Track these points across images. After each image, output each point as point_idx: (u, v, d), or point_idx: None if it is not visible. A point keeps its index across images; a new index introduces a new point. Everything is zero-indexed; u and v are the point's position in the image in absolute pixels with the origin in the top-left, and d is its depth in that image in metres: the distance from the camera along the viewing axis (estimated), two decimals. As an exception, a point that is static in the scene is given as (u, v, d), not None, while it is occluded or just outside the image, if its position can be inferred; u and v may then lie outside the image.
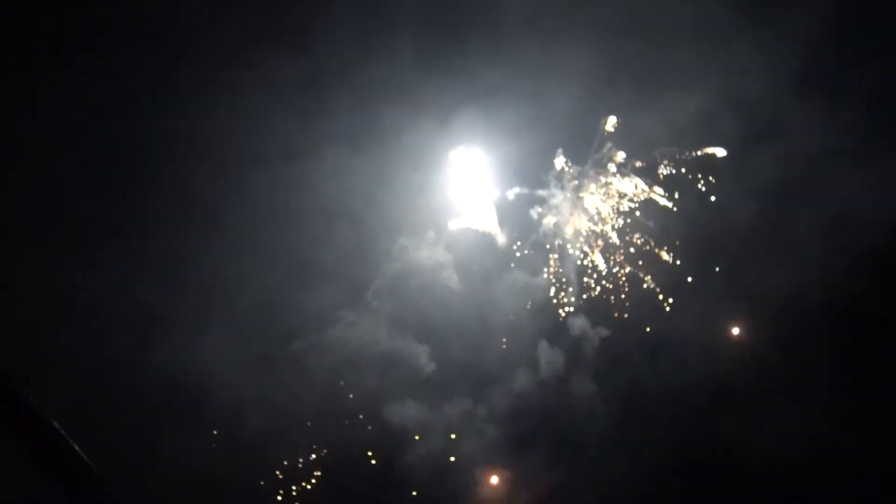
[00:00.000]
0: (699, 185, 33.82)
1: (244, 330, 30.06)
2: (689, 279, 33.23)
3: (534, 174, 34.88)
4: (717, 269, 33.13)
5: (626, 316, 33.66)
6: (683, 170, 34.14)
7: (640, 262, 33.80)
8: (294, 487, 29.84)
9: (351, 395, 32.25)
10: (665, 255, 33.73)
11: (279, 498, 29.14)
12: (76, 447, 4.38)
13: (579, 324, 33.07)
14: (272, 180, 32.62)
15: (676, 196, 33.96)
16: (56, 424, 4.31)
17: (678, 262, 33.47)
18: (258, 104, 32.55)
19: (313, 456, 30.34)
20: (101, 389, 25.23)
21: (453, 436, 32.22)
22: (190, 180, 31.31)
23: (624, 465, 29.56)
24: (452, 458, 31.73)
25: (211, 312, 29.39)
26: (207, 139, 31.60)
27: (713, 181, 33.62)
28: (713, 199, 33.28)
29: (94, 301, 26.62)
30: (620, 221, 34.24)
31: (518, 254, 34.86)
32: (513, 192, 34.50)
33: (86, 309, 26.50)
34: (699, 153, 33.73)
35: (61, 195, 28.55)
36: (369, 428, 31.41)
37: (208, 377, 26.89)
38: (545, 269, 34.56)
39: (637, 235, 34.00)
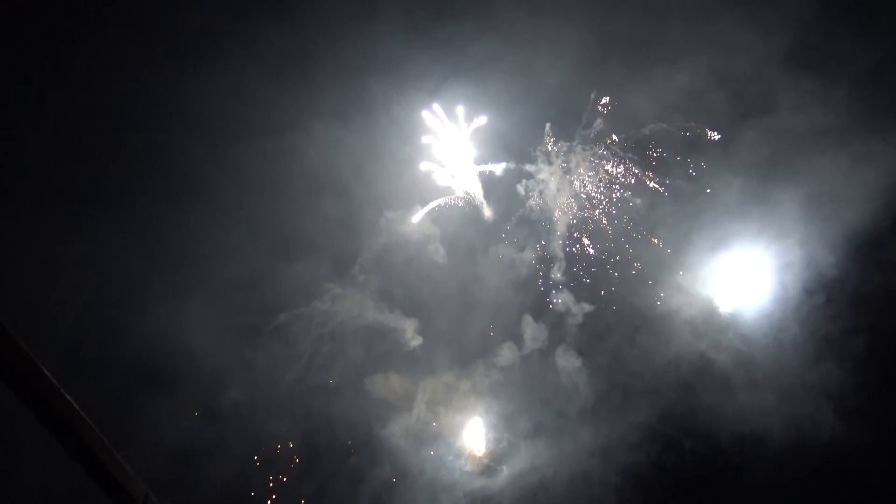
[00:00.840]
0: (688, 164, 33.80)
1: (228, 300, 30.21)
2: (675, 257, 33.23)
3: (522, 149, 34.87)
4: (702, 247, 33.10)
5: (613, 290, 33.79)
6: (672, 149, 34.10)
7: (626, 239, 33.85)
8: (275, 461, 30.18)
9: (334, 368, 32.38)
10: (651, 234, 33.79)
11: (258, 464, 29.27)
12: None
13: (563, 299, 33.22)
14: (258, 151, 32.65)
15: (665, 176, 33.96)
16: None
17: (663, 243, 33.51)
18: (245, 75, 32.53)
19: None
20: (81, 357, 25.44)
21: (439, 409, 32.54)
22: (175, 150, 31.36)
23: (605, 436, 29.87)
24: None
25: (194, 282, 29.57)
26: (194, 110, 31.57)
27: (701, 162, 33.58)
28: (699, 176, 33.20)
29: (77, 269, 26.75)
30: (607, 199, 34.26)
31: (507, 229, 34.99)
32: (500, 167, 34.49)
33: (68, 276, 26.64)
34: (688, 133, 33.64)
35: (46, 164, 28.57)
36: (351, 401, 31.57)
37: (190, 346, 27.11)
38: (533, 245, 34.67)
39: (625, 216, 34.02)
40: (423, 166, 34.09)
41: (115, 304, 27.89)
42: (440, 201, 34.53)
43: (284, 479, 30.08)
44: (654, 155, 34.52)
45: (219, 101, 31.73)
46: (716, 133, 33.06)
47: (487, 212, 34.74)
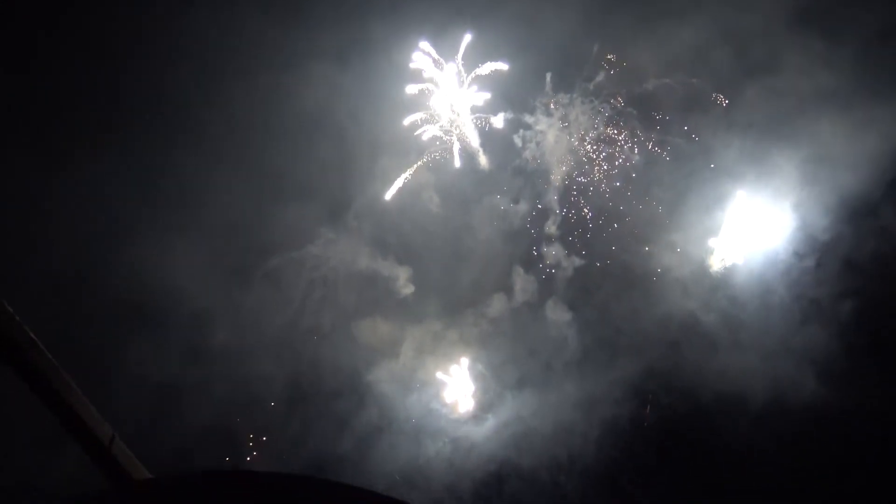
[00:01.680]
0: (688, 122, 33.36)
1: (219, 241, 30.00)
2: (669, 216, 33.10)
3: (521, 98, 34.28)
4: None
5: (605, 246, 33.76)
6: (672, 106, 33.59)
7: (621, 196, 33.65)
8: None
9: (324, 313, 32.46)
10: (647, 191, 33.57)
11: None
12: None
13: (555, 252, 33.19)
14: (252, 90, 32.02)
15: (663, 133, 33.55)
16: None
17: (658, 201, 33.34)
18: (239, 10, 31.60)
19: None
20: (66, 291, 25.32)
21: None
22: (167, 87, 30.71)
23: (589, 389, 30.21)
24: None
25: (184, 221, 29.27)
26: (187, 45, 30.80)
27: (701, 121, 33.11)
28: (698, 135, 32.80)
29: (63, 202, 26.44)
30: (604, 154, 33.92)
31: (502, 179, 34.68)
32: (498, 117, 33.96)
33: (55, 210, 26.33)
34: (689, 91, 33.09)
35: (35, 98, 27.96)
36: (339, 346, 31.73)
37: (177, 285, 27.02)
38: (527, 197, 34.41)
39: (621, 172, 33.72)
40: (413, 115, 33.57)
41: (102, 239, 27.64)
42: (437, 148, 34.15)
43: (268, 420, 30.37)
44: (654, 112, 34.06)
45: (213, 36, 30.96)
46: (721, 96, 32.57)
47: (483, 161, 34.38)
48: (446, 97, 33.68)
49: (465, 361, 32.46)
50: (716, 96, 32.72)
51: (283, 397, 30.78)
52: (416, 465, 31.37)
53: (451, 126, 34.03)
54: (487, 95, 33.74)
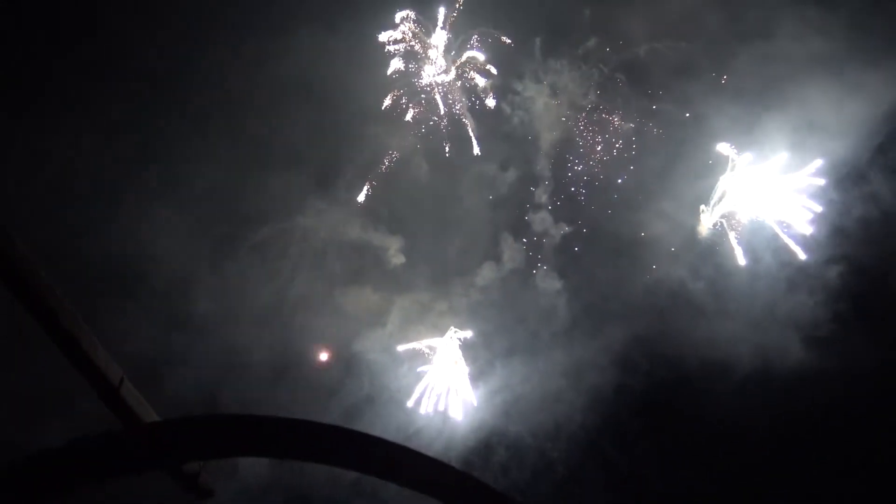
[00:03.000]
0: (679, 88, 33.12)
1: (204, 209, 29.53)
2: (659, 183, 32.98)
3: (510, 63, 33.86)
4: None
5: (594, 212, 33.66)
6: (663, 72, 33.29)
7: (610, 163, 33.48)
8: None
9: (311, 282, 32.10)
10: (637, 158, 33.42)
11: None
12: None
13: (544, 219, 33.05)
14: (239, 54, 31.43)
15: (654, 99, 33.33)
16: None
17: (648, 168, 33.20)
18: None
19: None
20: (45, 257, 24.77)
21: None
22: (152, 49, 30.03)
23: (576, 357, 30.34)
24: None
25: (170, 189, 28.79)
26: (172, 5, 30.14)
27: (692, 87, 32.85)
28: (688, 101, 32.55)
29: (44, 165, 25.86)
30: (593, 121, 33.69)
31: (490, 146, 34.39)
32: (487, 82, 33.54)
33: (34, 172, 25.73)
34: (680, 55, 32.78)
35: (16, 57, 27.18)
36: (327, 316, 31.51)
37: (161, 253, 26.58)
38: (516, 163, 34.16)
39: (611, 139, 33.49)
40: (400, 82, 33.12)
41: (83, 206, 27.06)
42: (426, 116, 33.71)
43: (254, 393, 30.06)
44: (645, 77, 33.79)
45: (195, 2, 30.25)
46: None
47: (471, 127, 33.97)
48: (434, 64, 33.22)
49: (453, 330, 32.39)
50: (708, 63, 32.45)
51: (270, 365, 30.47)
52: (406, 434, 31.45)
53: (439, 90, 33.60)
54: (475, 57, 33.34)
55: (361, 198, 33.66)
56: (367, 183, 33.69)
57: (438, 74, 33.38)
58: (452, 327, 32.22)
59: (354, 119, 33.62)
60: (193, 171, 30.01)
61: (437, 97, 33.57)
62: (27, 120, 26.90)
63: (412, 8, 32.71)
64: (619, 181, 33.38)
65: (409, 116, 33.63)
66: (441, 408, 31.26)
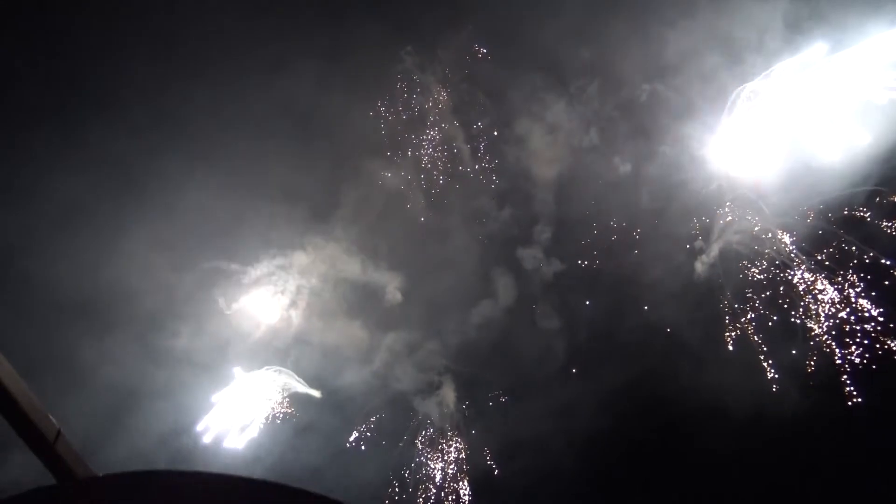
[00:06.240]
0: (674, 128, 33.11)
1: (196, 242, 29.32)
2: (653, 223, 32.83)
3: (507, 103, 34.01)
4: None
5: (592, 252, 33.42)
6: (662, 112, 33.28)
7: (607, 201, 33.36)
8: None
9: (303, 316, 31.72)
10: (635, 197, 33.28)
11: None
12: None
13: (538, 257, 32.85)
14: (234, 91, 31.62)
15: (653, 140, 33.29)
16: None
17: (645, 207, 33.05)
18: (225, 8, 31.15)
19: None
20: (21, 288, 24.48)
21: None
22: (149, 84, 30.21)
23: (567, 400, 29.91)
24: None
25: (166, 224, 28.56)
26: (166, 40, 30.35)
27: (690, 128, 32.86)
28: (685, 140, 32.51)
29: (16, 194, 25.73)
30: (592, 158, 33.66)
31: (487, 182, 34.32)
32: (485, 121, 33.70)
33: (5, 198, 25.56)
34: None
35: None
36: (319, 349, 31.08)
37: (149, 287, 26.31)
38: (513, 201, 34.09)
39: (610, 176, 33.37)
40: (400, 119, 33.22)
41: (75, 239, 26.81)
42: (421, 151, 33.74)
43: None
44: (641, 119, 33.81)
45: (195, 33, 30.52)
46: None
47: (468, 166, 33.98)
48: (433, 99, 33.42)
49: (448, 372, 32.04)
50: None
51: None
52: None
53: (437, 130, 33.72)
54: (474, 99, 33.56)
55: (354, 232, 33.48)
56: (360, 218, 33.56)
57: (436, 111, 33.54)
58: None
59: (351, 153, 33.73)
60: (190, 207, 29.79)
61: (435, 135, 33.65)
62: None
63: (411, 43, 32.98)
64: (616, 219, 33.17)
65: (407, 152, 33.75)
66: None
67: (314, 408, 30.67)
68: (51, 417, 4.83)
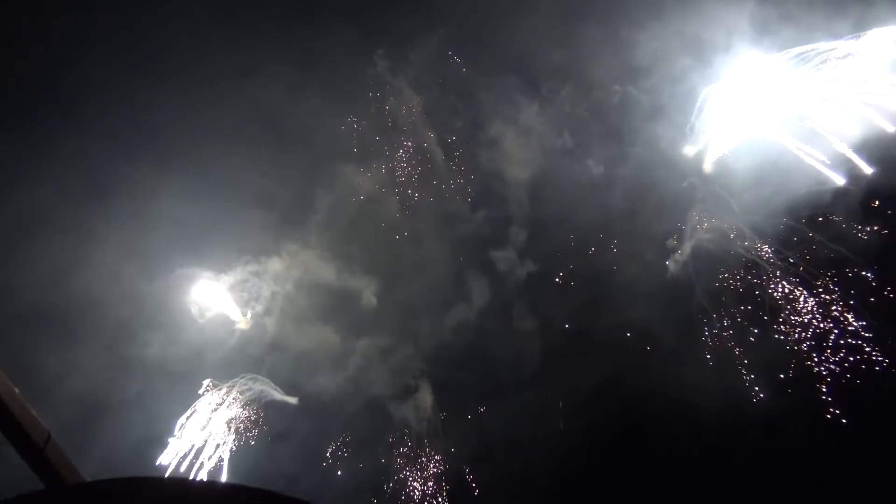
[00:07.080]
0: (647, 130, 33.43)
1: (168, 249, 28.89)
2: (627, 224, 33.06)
3: (480, 108, 34.13)
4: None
5: (565, 253, 33.58)
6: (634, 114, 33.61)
7: (580, 203, 33.56)
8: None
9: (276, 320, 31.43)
10: (607, 197, 33.51)
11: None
12: None
13: (511, 258, 32.93)
14: (209, 96, 31.22)
15: (626, 144, 33.59)
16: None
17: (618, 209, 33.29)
18: (198, 15, 30.80)
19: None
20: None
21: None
22: (123, 91, 29.76)
23: (543, 402, 29.96)
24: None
25: (139, 231, 28.11)
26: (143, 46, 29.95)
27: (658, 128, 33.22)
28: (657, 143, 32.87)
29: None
30: (564, 160, 33.85)
31: (462, 185, 34.36)
32: (460, 123, 33.77)
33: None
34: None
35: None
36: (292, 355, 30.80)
37: (117, 294, 25.85)
38: (487, 203, 34.15)
39: (583, 178, 33.60)
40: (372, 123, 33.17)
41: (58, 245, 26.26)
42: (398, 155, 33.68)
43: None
44: (615, 121, 34.08)
45: (165, 37, 30.14)
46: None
47: (441, 170, 34.01)
48: (406, 103, 33.39)
49: (424, 376, 31.91)
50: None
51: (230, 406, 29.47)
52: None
53: (411, 134, 33.69)
54: (447, 102, 33.61)
55: (329, 237, 33.32)
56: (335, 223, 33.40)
57: (408, 116, 33.51)
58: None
59: (324, 158, 33.56)
60: (162, 212, 29.39)
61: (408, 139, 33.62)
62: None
63: (383, 47, 32.96)
64: (590, 220, 33.35)
65: (380, 156, 33.68)
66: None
67: (288, 417, 30.40)
68: (41, 421, 4.69)
